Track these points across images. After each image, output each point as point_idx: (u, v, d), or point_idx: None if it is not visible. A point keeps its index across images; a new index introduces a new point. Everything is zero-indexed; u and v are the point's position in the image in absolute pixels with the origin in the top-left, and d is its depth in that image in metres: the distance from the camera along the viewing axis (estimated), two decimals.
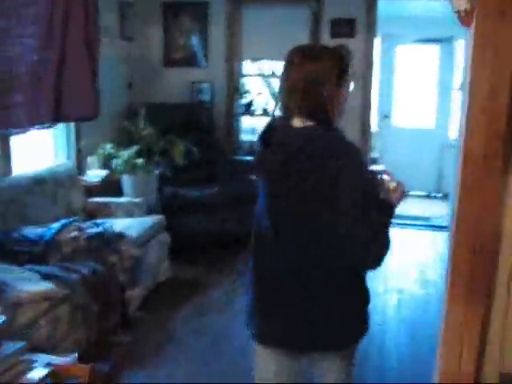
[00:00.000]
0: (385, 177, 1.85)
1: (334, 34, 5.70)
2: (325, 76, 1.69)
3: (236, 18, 6.05)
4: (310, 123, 1.72)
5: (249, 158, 5.77)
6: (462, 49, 7.19)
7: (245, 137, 6.32)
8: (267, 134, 1.80)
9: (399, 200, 1.81)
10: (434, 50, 7.97)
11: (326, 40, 5.72)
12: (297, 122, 1.75)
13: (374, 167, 1.97)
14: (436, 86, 8.02)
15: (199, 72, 6.18)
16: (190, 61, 6.21)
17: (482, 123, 1.73)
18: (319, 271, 1.76)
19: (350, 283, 1.82)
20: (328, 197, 1.64)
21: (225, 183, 5.35)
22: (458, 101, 7.75)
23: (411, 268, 5.03)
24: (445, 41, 7.77)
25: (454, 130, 7.89)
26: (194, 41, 6.17)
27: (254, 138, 6.11)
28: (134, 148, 4.79)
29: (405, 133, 8.04)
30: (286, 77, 1.75)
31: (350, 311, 1.85)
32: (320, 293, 1.78)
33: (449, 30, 7.47)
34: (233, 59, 6.12)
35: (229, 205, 5.17)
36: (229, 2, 5.99)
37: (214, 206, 5.11)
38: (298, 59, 1.71)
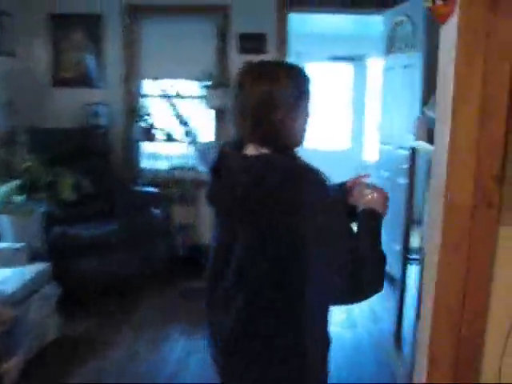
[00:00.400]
0: (364, 180, 1.70)
1: (243, 50, 5.20)
2: (278, 99, 1.50)
3: (134, 32, 5.43)
4: (264, 151, 1.53)
5: (150, 188, 5.12)
6: (374, 67, 6.94)
7: (146, 164, 5.64)
8: (218, 163, 1.62)
9: (383, 207, 1.59)
10: (347, 68, 7.68)
11: (234, 56, 5.22)
12: (251, 150, 1.56)
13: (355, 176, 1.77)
14: (350, 106, 7.73)
15: (94, 93, 5.48)
16: (83, 80, 5.51)
17: (470, 158, 1.22)
18: (276, 315, 1.53)
19: (310, 328, 1.58)
20: (292, 232, 1.44)
21: (124, 219, 4.66)
22: (371, 120, 7.50)
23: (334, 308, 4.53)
24: (357, 59, 7.50)
25: (369, 151, 7.63)
26: (88, 58, 5.48)
27: (157, 165, 5.49)
28: (13, 183, 4.03)
29: (316, 155, 7.62)
30: (235, 100, 1.56)
31: (310, 361, 1.59)
32: (273, 339, 1.55)
33: (361, 48, 7.25)
34: (131, 78, 5.48)
35: (130, 244, 4.50)
36: (125, 14, 5.36)
37: (111, 245, 4.41)
38: (248, 80, 1.53)
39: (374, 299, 4.50)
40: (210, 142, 5.51)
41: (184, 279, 4.91)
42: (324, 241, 1.44)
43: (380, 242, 1.54)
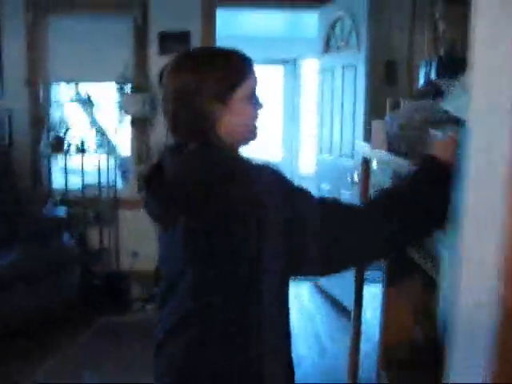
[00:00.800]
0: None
1: (164, 50, 4.62)
2: (198, 89, 1.34)
3: (40, 30, 4.75)
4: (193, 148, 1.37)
5: (61, 209, 4.44)
6: (308, 70, 6.53)
7: (58, 182, 4.92)
8: (151, 170, 1.45)
9: (447, 155, 1.31)
10: (278, 72, 7.23)
11: (155, 58, 4.63)
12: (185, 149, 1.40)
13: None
14: (281, 113, 7.27)
15: None
16: None
17: None
18: (224, 345, 1.35)
19: (271, 360, 1.37)
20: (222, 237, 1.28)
21: (29, 247, 3.98)
22: (306, 128, 7.09)
23: None
24: (289, 62, 7.07)
25: (305, 161, 7.22)
26: None
27: (69, 182, 4.81)
28: None
29: None
30: (162, 96, 1.45)
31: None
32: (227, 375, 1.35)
33: (293, 50, 6.86)
34: (37, 83, 4.79)
35: (35, 277, 3.83)
36: (29, 10, 4.67)
37: (12, 280, 3.73)
38: (172, 69, 1.39)
39: (321, 328, 3.97)
40: (130, 156, 4.92)
41: (102, 314, 4.25)
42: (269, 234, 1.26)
43: (428, 198, 1.30)
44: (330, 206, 1.34)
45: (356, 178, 3.91)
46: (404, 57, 4.09)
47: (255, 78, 1.41)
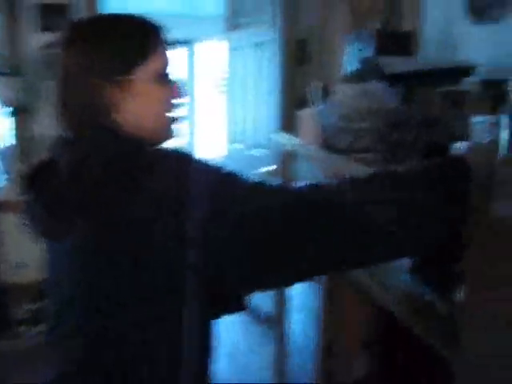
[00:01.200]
0: None
1: (46, 27, 3.99)
2: (86, 68, 1.08)
3: None
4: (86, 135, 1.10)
5: None
6: (214, 50, 6.19)
7: None
8: (42, 165, 1.16)
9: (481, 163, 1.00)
10: (179, 54, 6.88)
11: (31, 35, 3.99)
12: None
13: None
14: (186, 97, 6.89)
15: None
16: None
17: None
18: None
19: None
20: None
21: None
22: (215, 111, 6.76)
23: None
24: (191, 42, 6.80)
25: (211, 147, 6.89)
26: None
27: None
28: None
29: None
30: None
31: None
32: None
33: (196, 29, 6.64)
34: None
35: None
36: None
37: None
38: (59, 44, 1.13)
39: (241, 343, 3.54)
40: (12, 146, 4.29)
41: None
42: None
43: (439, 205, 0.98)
44: (276, 189, 1.06)
45: (272, 171, 3.53)
46: (315, 34, 3.65)
47: (165, 53, 1.14)
